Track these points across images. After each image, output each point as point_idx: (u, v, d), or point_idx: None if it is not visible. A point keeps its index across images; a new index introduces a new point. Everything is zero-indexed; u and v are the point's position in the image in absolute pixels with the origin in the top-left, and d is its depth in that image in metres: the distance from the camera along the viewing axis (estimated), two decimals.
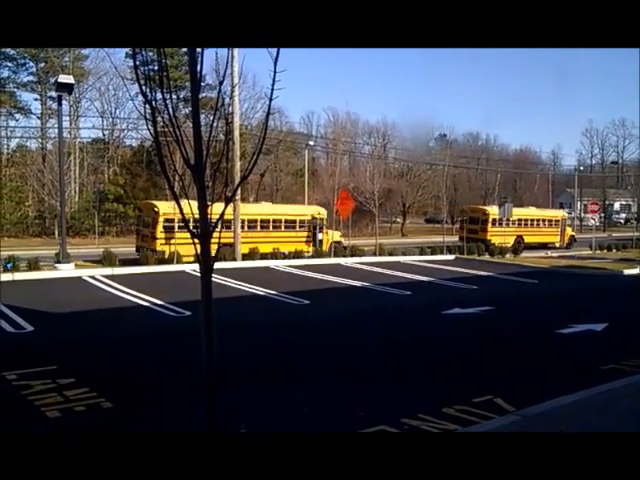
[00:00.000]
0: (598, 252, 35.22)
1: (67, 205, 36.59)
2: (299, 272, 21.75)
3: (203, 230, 4.01)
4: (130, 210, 45.23)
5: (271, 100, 3.99)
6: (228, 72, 4.35)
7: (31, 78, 49.76)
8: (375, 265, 24.55)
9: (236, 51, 20.31)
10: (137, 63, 3.96)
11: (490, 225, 36.65)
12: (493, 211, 37.55)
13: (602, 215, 61.02)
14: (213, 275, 4.16)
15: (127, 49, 31.67)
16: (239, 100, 34.65)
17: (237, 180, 19.97)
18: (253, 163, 4.25)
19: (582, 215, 67.46)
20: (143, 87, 3.84)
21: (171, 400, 7.44)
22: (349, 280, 19.73)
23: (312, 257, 26.06)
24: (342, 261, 25.48)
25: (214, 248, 4.19)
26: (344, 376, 8.82)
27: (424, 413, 6.85)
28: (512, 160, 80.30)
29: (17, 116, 49.97)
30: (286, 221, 28.44)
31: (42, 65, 48.50)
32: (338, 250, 27.95)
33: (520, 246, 35.49)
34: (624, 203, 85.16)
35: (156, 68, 4.00)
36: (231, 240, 24.76)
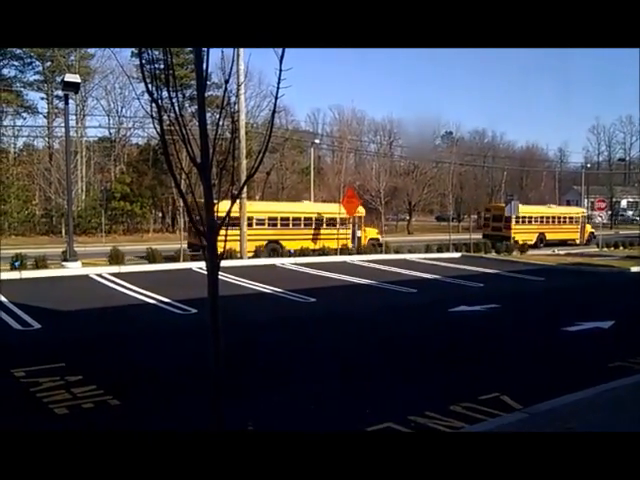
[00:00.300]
0: (605, 250, 35.09)
1: (74, 203, 36.71)
2: (305, 270, 21.77)
3: (209, 228, 4.02)
4: (137, 208, 45.39)
5: (277, 98, 4.00)
6: (234, 71, 4.36)
7: (37, 77, 50.05)
8: (381, 263, 24.53)
9: (242, 50, 20.36)
10: (143, 62, 3.97)
11: (514, 222, 37.34)
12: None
13: (609, 212, 60.80)
14: (218, 273, 4.17)
15: (133, 48, 31.76)
16: (245, 98, 34.70)
17: (243, 178, 19.99)
18: (259, 161, 4.26)
19: (589, 213, 67.24)
20: (149, 86, 3.85)
21: (179, 398, 7.47)
22: (355, 278, 19.73)
23: (318, 255, 26.10)
24: (348, 259, 25.48)
25: (222, 246, 4.21)
26: (347, 375, 8.82)
27: (431, 410, 6.85)
28: (518, 157, 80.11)
29: (24, 115, 50.30)
30: (328, 219, 29.09)
31: (48, 64, 48.67)
32: (375, 247, 29.06)
33: (542, 243, 37.10)
34: (631, 200, 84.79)
35: (162, 67, 4.01)
36: (276, 237, 26.60)
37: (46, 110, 50.06)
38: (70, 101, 27.99)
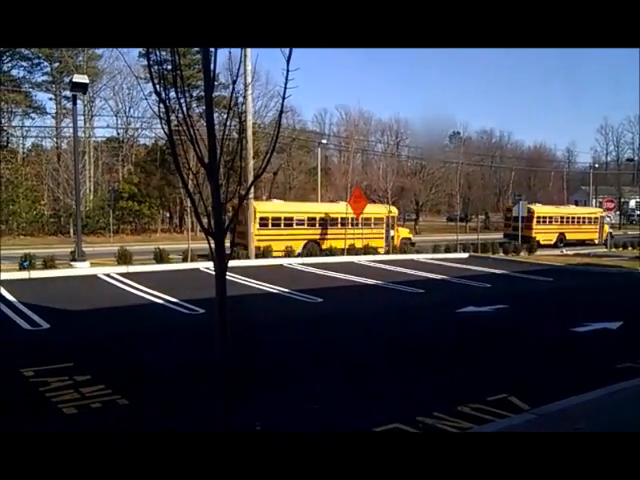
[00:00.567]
0: (614, 250, 34.92)
1: (82, 204, 36.85)
2: (312, 270, 21.77)
3: (217, 228, 4.02)
4: (145, 208, 45.52)
5: (284, 99, 4.01)
6: (241, 71, 4.37)
7: (46, 78, 50.29)
8: (388, 263, 24.49)
9: (249, 50, 20.40)
10: (151, 62, 3.99)
11: (535, 223, 38.29)
12: (538, 209, 39.77)
13: (618, 212, 60.58)
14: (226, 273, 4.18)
15: (141, 48, 31.82)
16: (252, 99, 34.75)
17: (250, 178, 20.01)
18: (266, 161, 4.26)
19: None
20: (157, 86, 3.87)
21: (187, 398, 7.48)
22: (362, 278, 19.71)
23: (325, 255, 26.12)
24: (355, 259, 25.46)
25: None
26: (355, 375, 8.81)
27: (439, 411, 6.83)
28: (526, 157, 79.84)
29: (32, 116, 50.59)
30: (363, 219, 29.69)
31: (56, 65, 48.89)
32: (406, 246, 30.04)
33: (562, 243, 38.16)
34: (639, 200, 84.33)
35: (170, 67, 4.03)
36: (315, 237, 27.91)
37: (54, 111, 50.37)
38: (78, 102, 28.12)
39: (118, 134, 54.15)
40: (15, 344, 10.48)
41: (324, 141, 59.94)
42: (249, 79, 23.42)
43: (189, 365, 8.97)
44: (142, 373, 8.69)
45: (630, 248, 35.91)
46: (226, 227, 4.10)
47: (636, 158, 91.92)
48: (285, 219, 27.90)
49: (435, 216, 74.14)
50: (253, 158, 25.79)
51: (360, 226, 29.14)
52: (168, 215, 52.85)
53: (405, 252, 28.44)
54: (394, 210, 32.31)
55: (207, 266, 19.75)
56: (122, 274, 18.70)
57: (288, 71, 3.84)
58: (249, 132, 24.57)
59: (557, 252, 33.27)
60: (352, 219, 29.03)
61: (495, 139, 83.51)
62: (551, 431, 5.33)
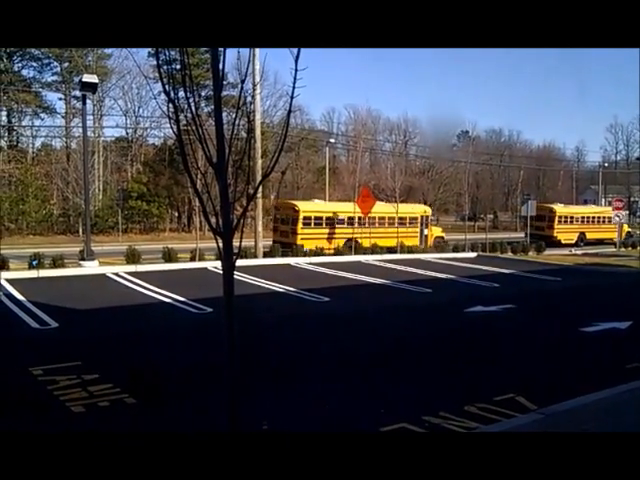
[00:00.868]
0: (623, 250, 34.74)
1: (91, 203, 37.03)
2: (320, 269, 21.78)
3: (225, 227, 4.03)
4: (153, 208, 45.66)
5: (292, 98, 4.01)
6: (249, 71, 4.38)
7: (55, 78, 50.49)
8: (396, 262, 24.46)
9: (257, 49, 20.40)
10: (160, 62, 4.00)
11: (556, 222, 39.36)
12: (560, 209, 40.86)
13: (627, 212, 60.22)
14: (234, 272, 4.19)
15: (150, 48, 31.95)
16: (261, 98, 34.80)
17: (259, 178, 20.03)
18: (275, 161, 4.27)
19: None
20: (166, 86, 3.88)
21: (195, 397, 7.51)
22: (369, 277, 19.70)
23: (333, 254, 26.13)
24: (362, 258, 25.45)
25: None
26: (362, 375, 8.82)
27: (445, 411, 6.83)
28: (535, 157, 79.43)
29: (42, 115, 50.76)
30: (399, 218, 31.09)
31: (66, 65, 49.08)
32: (440, 245, 31.37)
33: (582, 242, 39.25)
34: None
35: (178, 67, 4.04)
36: (354, 235, 28.59)
37: (64, 110, 50.54)
38: (88, 101, 28.27)
39: (127, 134, 54.35)
40: (24, 343, 10.55)
41: (332, 140, 59.93)
42: (257, 78, 23.44)
43: (197, 364, 9.00)
44: (150, 372, 8.72)
45: (639, 248, 35.70)
46: (234, 226, 4.11)
47: None
48: (327, 218, 28.89)
49: (443, 215, 73.88)
50: (261, 157, 25.83)
51: (396, 225, 30.32)
52: (176, 214, 53.00)
53: (442, 250, 30.01)
54: (428, 210, 34.15)
55: (215, 265, 19.79)
56: (131, 273, 18.77)
57: (296, 71, 3.85)
58: (257, 131, 24.61)
59: (566, 252, 33.13)
60: (388, 218, 30.53)
61: (504, 138, 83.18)
62: (558, 431, 5.32)
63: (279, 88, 49.90)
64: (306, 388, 8.05)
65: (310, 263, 23.23)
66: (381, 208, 30.75)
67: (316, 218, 28.62)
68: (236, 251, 4.12)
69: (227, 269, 4.09)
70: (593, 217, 42.48)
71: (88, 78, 20.75)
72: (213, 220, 4.04)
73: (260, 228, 24.84)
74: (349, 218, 29.27)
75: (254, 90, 19.66)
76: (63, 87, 49.95)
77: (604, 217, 42.67)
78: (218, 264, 4.45)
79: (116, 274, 18.68)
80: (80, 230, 39.83)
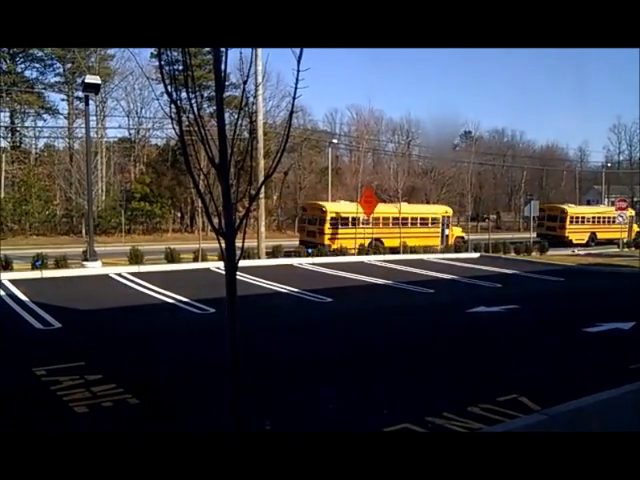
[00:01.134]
0: (626, 250, 34.68)
1: (94, 204, 37.06)
2: (322, 270, 21.78)
3: (228, 228, 4.04)
4: (156, 208, 45.69)
5: (294, 99, 4.01)
6: (252, 71, 4.38)
7: (58, 79, 50.50)
8: (398, 263, 24.46)
9: (260, 50, 20.41)
10: (162, 63, 4.00)
11: (568, 223, 39.98)
12: (571, 210, 41.58)
13: (635, 213, 60.15)
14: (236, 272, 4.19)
15: (152, 49, 32.03)
16: (263, 99, 34.85)
17: (261, 178, 20.04)
18: (277, 161, 4.27)
19: None
20: (168, 87, 3.88)
21: (198, 397, 7.51)
22: (372, 278, 19.70)
23: (336, 255, 26.14)
24: (365, 259, 25.45)
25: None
26: (365, 375, 8.81)
27: (448, 411, 6.82)
28: (538, 157, 79.28)
29: (45, 116, 50.78)
30: (421, 219, 32.45)
31: (69, 66, 49.13)
32: (460, 245, 31.96)
33: (593, 242, 39.90)
34: None
35: (181, 68, 4.04)
36: (379, 235, 29.31)
37: (67, 111, 50.56)
38: (90, 102, 28.31)
39: (130, 134, 54.35)
40: (27, 343, 10.57)
41: (335, 141, 59.86)
42: (260, 79, 23.46)
43: (200, 364, 9.00)
44: (153, 372, 8.73)
45: None
46: (236, 227, 4.11)
47: None
48: (352, 219, 29.29)
49: None
50: (264, 158, 25.86)
51: (419, 225, 31.47)
52: (179, 215, 53.03)
53: (458, 250, 30.37)
54: (449, 210, 34.95)
55: (218, 266, 19.81)
56: (133, 274, 18.80)
57: (299, 71, 3.84)
58: (260, 132, 24.64)
59: (569, 252, 33.07)
60: (411, 219, 31.53)
61: (507, 138, 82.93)
62: (560, 431, 5.31)
63: (282, 89, 50.00)
64: (309, 388, 8.05)
65: (312, 263, 23.23)
66: (404, 209, 31.59)
67: (342, 218, 29.19)
68: (239, 252, 4.12)
69: (229, 270, 4.09)
70: (604, 217, 42.85)
71: (91, 79, 20.78)
72: (216, 221, 4.04)
73: (263, 229, 24.87)
74: (374, 219, 29.82)
75: (256, 91, 19.68)
76: (66, 88, 49.99)
77: (614, 217, 42.99)
78: (221, 264, 4.45)
79: (119, 274, 18.71)
80: (83, 231, 39.88)
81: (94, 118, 46.28)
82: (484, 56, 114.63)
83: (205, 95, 44.57)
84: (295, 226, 54.46)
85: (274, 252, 24.91)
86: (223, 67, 4.00)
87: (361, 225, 28.99)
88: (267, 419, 6.28)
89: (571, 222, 40.27)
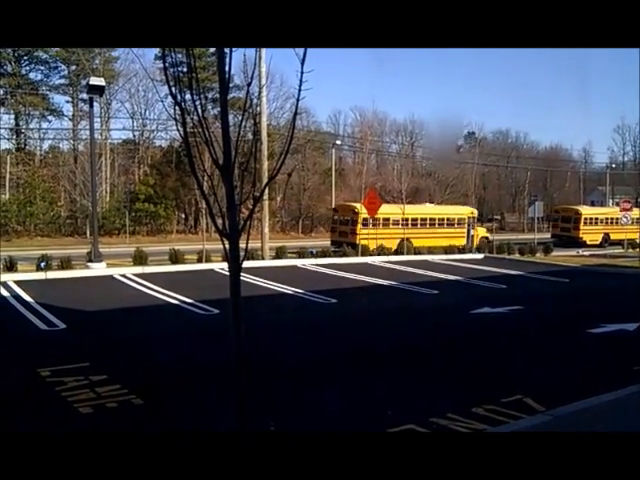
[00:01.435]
0: (630, 251, 34.58)
1: (98, 205, 37.14)
2: (326, 271, 21.78)
3: (232, 229, 4.04)
4: (160, 210, 45.77)
5: (298, 100, 4.01)
6: (256, 73, 4.39)
7: (63, 81, 50.66)
8: (402, 264, 24.45)
9: (263, 52, 20.47)
10: (166, 65, 4.01)
11: (582, 224, 40.64)
12: (585, 211, 42.54)
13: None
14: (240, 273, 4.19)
15: (157, 51, 32.07)
16: (267, 100, 34.85)
17: (265, 180, 20.07)
18: (281, 163, 4.27)
19: None
20: (172, 89, 3.89)
21: (202, 397, 7.52)
22: (376, 279, 19.69)
23: (340, 256, 26.14)
24: (369, 260, 25.45)
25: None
26: (368, 375, 8.81)
27: (453, 412, 6.82)
28: (542, 158, 79.08)
29: (50, 118, 50.89)
30: (448, 219, 33.73)
31: (73, 68, 49.27)
32: (484, 245, 32.75)
33: (606, 243, 40.52)
34: None
35: (185, 70, 4.05)
36: (408, 236, 30.07)
37: (71, 113, 50.71)
38: (95, 104, 28.37)
39: (134, 136, 54.47)
40: (32, 344, 10.60)
41: (338, 142, 59.88)
42: (264, 81, 23.48)
43: (204, 365, 9.02)
44: (157, 373, 8.75)
45: None
46: (240, 228, 4.11)
47: None
48: (383, 220, 30.08)
49: None
50: (268, 159, 25.86)
51: (445, 226, 32.70)
52: (183, 216, 53.09)
53: (480, 250, 31.31)
54: (475, 211, 36.16)
55: (222, 267, 19.83)
56: (138, 275, 18.84)
57: (302, 73, 3.85)
58: (264, 133, 24.67)
59: (573, 253, 32.99)
60: (438, 219, 32.82)
61: (511, 139, 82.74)
62: (564, 432, 5.30)
63: (286, 90, 49.94)
64: (312, 388, 8.05)
65: (316, 264, 23.24)
66: (432, 210, 32.58)
67: (374, 219, 29.49)
68: (243, 253, 4.12)
69: (233, 271, 4.09)
70: (617, 219, 42.96)
71: (95, 81, 20.83)
72: (220, 222, 4.05)
73: (267, 230, 24.90)
74: (403, 219, 30.60)
75: (260, 92, 19.70)
76: (70, 90, 50.13)
77: None
78: (225, 265, 4.46)
79: (123, 275, 18.75)
80: (87, 232, 39.95)
81: (98, 120, 46.42)
82: (488, 57, 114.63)
83: (209, 97, 44.59)
84: (299, 227, 54.63)
85: (278, 253, 24.93)
86: (227, 68, 4.00)
87: (391, 225, 30.15)
88: (271, 419, 6.29)
89: (585, 223, 40.79)
